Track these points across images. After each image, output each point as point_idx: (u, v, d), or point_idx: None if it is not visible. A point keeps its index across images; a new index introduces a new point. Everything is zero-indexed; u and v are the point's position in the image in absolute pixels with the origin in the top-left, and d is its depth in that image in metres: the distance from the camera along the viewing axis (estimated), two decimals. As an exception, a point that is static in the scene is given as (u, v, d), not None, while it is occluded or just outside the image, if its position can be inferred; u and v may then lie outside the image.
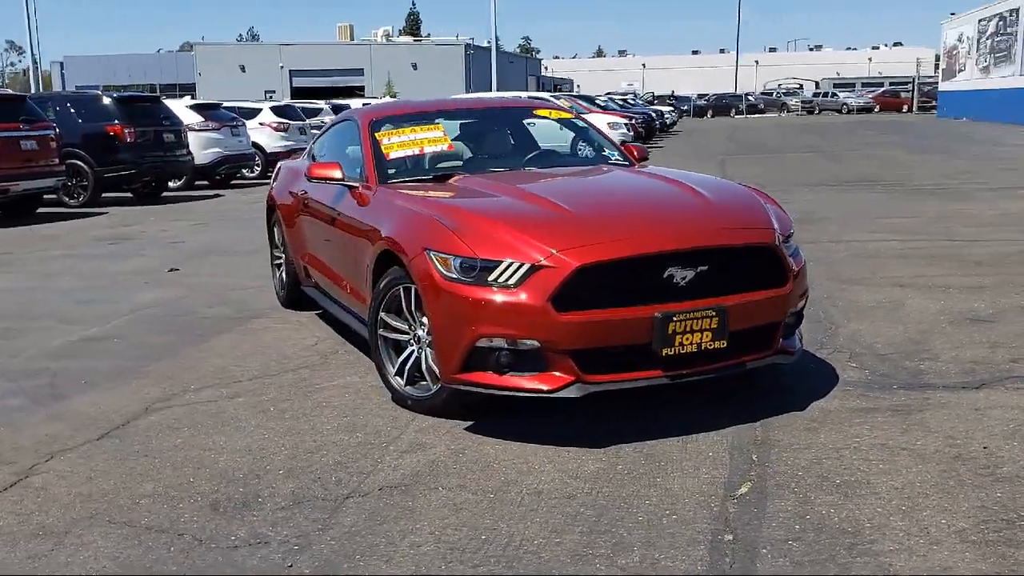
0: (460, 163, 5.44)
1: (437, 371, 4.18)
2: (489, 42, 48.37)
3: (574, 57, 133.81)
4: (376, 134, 5.39)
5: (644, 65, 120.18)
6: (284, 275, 6.75)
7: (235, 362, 5.41)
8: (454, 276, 3.93)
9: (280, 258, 6.90)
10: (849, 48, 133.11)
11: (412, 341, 4.38)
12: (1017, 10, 38.22)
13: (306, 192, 5.95)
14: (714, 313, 3.89)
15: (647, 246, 3.89)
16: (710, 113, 62.99)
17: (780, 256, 4.15)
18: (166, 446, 4.07)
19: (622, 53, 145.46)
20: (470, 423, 4.18)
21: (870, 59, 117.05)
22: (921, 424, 4.01)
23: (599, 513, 3.26)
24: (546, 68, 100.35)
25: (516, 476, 3.60)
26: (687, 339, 3.85)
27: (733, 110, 62.34)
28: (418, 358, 4.37)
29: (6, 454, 4.04)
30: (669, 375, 3.90)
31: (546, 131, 5.98)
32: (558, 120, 6.05)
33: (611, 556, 2.94)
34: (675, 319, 3.80)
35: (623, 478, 3.56)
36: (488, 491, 3.47)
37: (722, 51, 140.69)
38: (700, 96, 67.56)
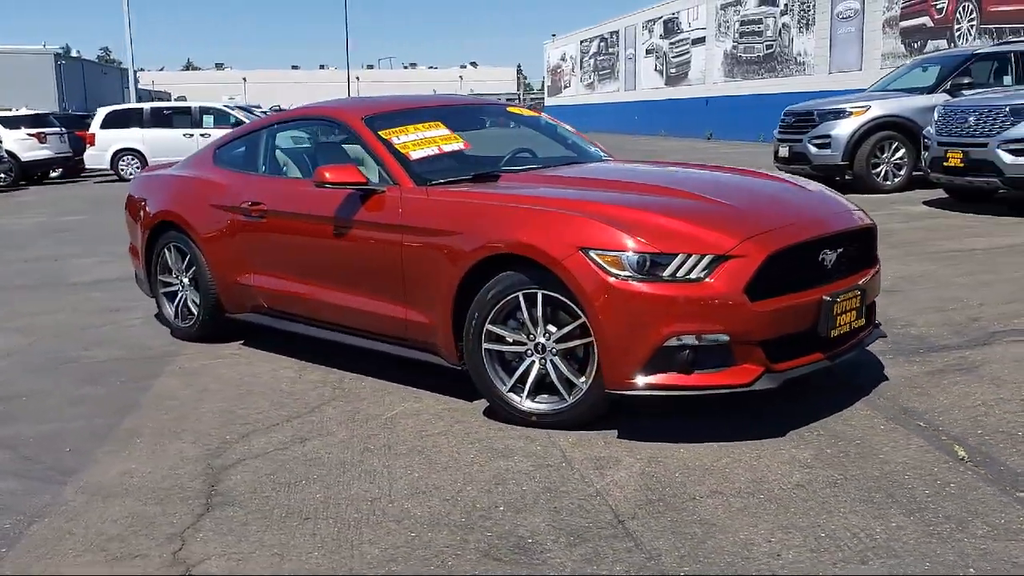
0: (496, 160, 5.06)
1: (582, 380, 3.89)
2: (79, 52, 44.19)
3: (161, 69, 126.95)
4: (380, 133, 4.83)
5: (245, 79, 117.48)
6: (189, 305, 5.79)
7: (235, 405, 4.57)
8: (627, 275, 3.67)
9: (173, 285, 5.91)
10: (431, 67, 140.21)
11: (531, 352, 4.01)
12: (617, 32, 42.68)
13: (260, 203, 5.17)
14: (859, 292, 4.02)
15: (809, 231, 3.93)
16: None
17: (875, 238, 4.38)
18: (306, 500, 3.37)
19: (219, 66, 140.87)
20: (616, 431, 3.94)
21: (460, 77, 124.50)
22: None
23: (863, 487, 3.24)
24: (139, 80, 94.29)
25: (752, 475, 3.46)
26: (843, 319, 3.95)
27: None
28: (529, 369, 4.01)
29: None
30: (829, 356, 3.96)
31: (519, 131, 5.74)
32: (529, 118, 5.81)
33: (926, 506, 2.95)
34: (839, 300, 3.87)
35: (840, 459, 3.55)
36: (745, 493, 3.31)
37: (322, 67, 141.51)
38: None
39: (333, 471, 3.68)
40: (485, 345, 4.08)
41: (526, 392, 4.03)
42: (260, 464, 3.79)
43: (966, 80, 12.15)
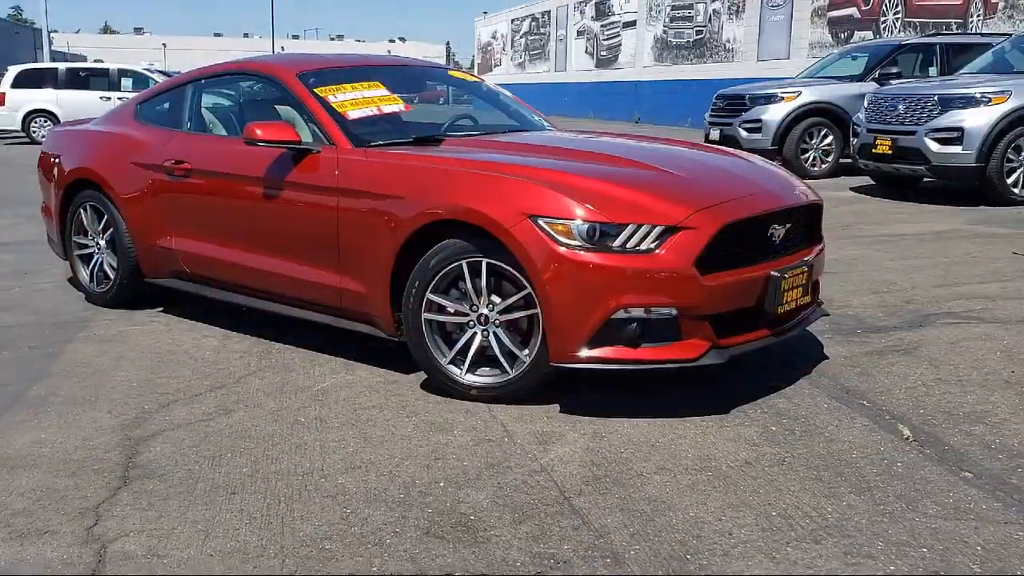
0: (436, 126, 4.87)
1: (525, 353, 3.75)
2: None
3: (77, 32, 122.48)
4: (316, 90, 4.60)
5: (165, 45, 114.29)
6: (105, 268, 5.48)
7: (154, 374, 4.32)
8: (576, 244, 3.53)
9: (89, 248, 5.58)
10: (358, 40, 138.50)
11: (473, 323, 3.85)
12: (549, 12, 42.49)
13: (185, 162, 4.89)
14: (806, 268, 3.96)
15: (760, 205, 3.85)
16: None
17: (821, 215, 4.32)
18: (237, 476, 3.17)
19: (138, 31, 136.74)
20: (558, 405, 3.82)
21: (389, 51, 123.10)
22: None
23: (811, 466, 3.18)
24: (53, 42, 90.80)
25: (699, 452, 3.37)
26: (790, 296, 3.89)
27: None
28: (470, 341, 3.86)
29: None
30: (775, 333, 3.89)
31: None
32: (471, 83, 5.61)
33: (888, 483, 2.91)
34: (787, 276, 3.80)
35: (786, 437, 3.49)
36: (693, 470, 3.22)
37: (246, 35, 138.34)
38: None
39: (261, 444, 3.47)
40: (425, 315, 3.90)
41: (467, 365, 3.88)
42: (182, 436, 3.56)
43: (894, 70, 12.31)
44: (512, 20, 48.65)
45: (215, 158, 4.80)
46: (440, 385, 3.95)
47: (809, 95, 12.42)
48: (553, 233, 3.55)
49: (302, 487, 3.10)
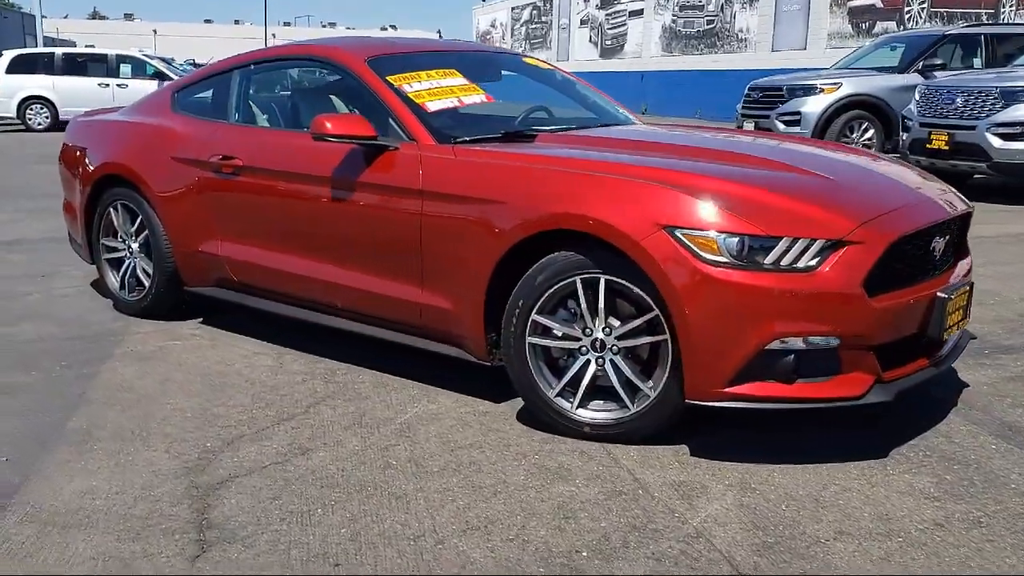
0: (528, 118, 4.35)
1: (648, 385, 3.23)
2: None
3: (65, 17, 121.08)
4: (389, 79, 4.05)
5: (155, 31, 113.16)
6: (138, 274, 4.93)
7: (208, 400, 3.78)
8: (723, 260, 3.00)
9: (119, 251, 5.03)
10: (349, 27, 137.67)
11: (586, 349, 3.32)
12: (551, 0, 41.86)
13: (234, 158, 4.33)
14: (967, 287, 3.46)
15: (927, 216, 3.34)
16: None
17: (969, 225, 3.81)
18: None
19: (128, 17, 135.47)
20: (686, 447, 3.29)
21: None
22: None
23: (1016, 529, 2.68)
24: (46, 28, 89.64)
25: (875, 509, 2.86)
26: (953, 319, 3.37)
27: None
28: (582, 370, 3.34)
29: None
30: (934, 362, 3.38)
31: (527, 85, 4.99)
32: (547, 71, 5.06)
33: None
34: (952, 297, 3.29)
35: (968, 489, 2.98)
36: (877, 535, 2.70)
37: (237, 22, 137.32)
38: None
39: (354, 495, 2.94)
40: (530, 339, 3.38)
41: (578, 397, 3.35)
42: (258, 483, 3.02)
43: (938, 61, 11.81)
44: (512, 8, 47.98)
45: (270, 154, 4.24)
46: (545, 420, 3.43)
47: (850, 87, 11.91)
48: (695, 247, 3.02)
49: (417, 556, 2.57)
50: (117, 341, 4.60)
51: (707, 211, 3.06)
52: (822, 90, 11.94)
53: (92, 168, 5.01)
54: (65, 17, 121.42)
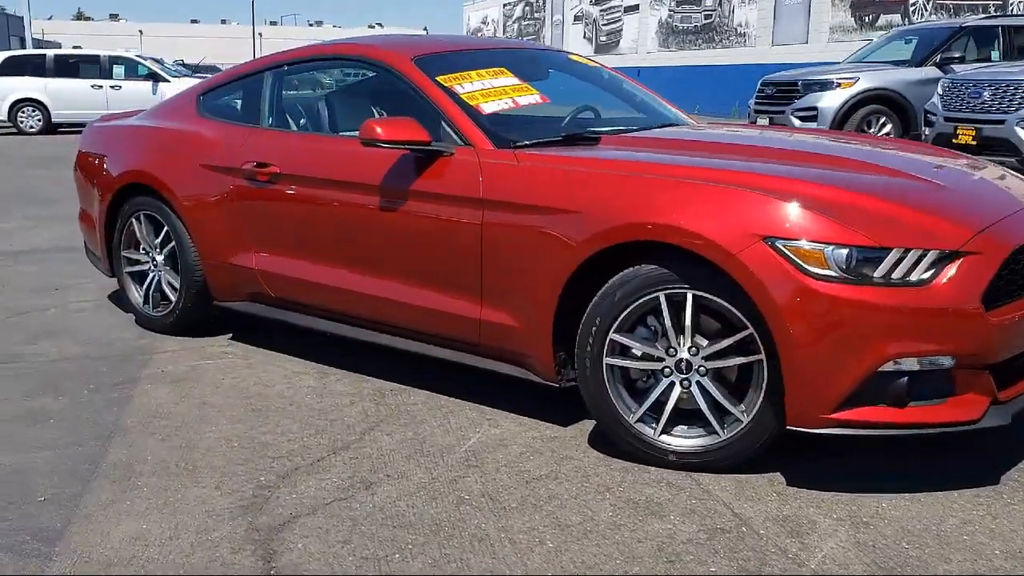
0: (577, 119, 4.08)
1: (740, 409, 2.97)
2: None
3: (49, 18, 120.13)
4: (439, 79, 3.79)
5: (141, 32, 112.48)
6: (164, 288, 4.66)
7: (254, 427, 3.51)
8: (832, 274, 2.75)
9: (143, 264, 4.76)
10: (336, 26, 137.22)
11: (669, 371, 3.07)
12: (545, -5, 41.57)
13: (270, 165, 4.06)
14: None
15: (1036, 223, 3.07)
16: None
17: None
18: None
19: (114, 17, 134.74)
20: (782, 475, 3.04)
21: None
22: None
23: None
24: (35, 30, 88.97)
25: (1006, 546, 2.62)
26: (1062, 333, 3.11)
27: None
28: (666, 393, 3.09)
29: None
30: (1038, 381, 3.13)
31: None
32: (592, 69, 4.80)
33: None
34: (1064, 310, 3.04)
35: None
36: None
37: (223, 22, 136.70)
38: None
39: (431, 538, 2.68)
40: (607, 360, 3.12)
41: (662, 423, 3.09)
42: (323, 524, 2.76)
43: (956, 54, 11.60)
44: (504, 4, 47.67)
45: (310, 161, 3.98)
46: (625, 447, 3.17)
47: (867, 81, 11.69)
48: (799, 260, 2.77)
49: (516, 610, 2.31)
50: (145, 360, 4.32)
51: (812, 220, 2.81)
52: (839, 84, 11.72)
53: (113, 176, 4.73)
54: (49, 18, 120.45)
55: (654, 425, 3.12)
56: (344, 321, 4.01)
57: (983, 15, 14.95)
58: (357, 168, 3.77)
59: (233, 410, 3.69)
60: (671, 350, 3.07)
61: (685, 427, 3.12)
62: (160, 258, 4.65)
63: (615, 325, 3.09)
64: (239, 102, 4.55)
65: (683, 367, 3.06)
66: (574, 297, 3.21)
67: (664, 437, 3.11)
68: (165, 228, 4.54)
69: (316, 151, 4.02)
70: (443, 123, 3.66)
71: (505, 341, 3.45)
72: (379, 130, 3.49)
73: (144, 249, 4.73)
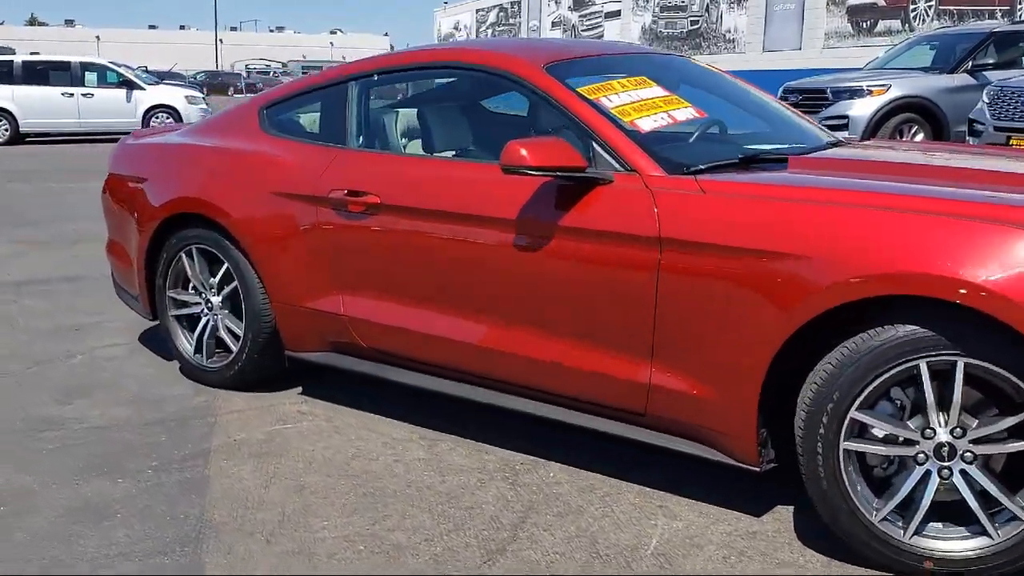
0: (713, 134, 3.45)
1: (1018, 506, 2.36)
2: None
3: (1, 23, 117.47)
4: (581, 91, 3.14)
5: (98, 37, 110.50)
6: (222, 335, 3.97)
7: (375, 521, 2.84)
8: None
9: (193, 306, 4.06)
10: (296, 31, 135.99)
11: (922, 458, 2.46)
12: (519, 1, 41.06)
13: (367, 194, 3.39)
14: None
15: None
16: (204, 91, 58.99)
17: None
18: None
19: (69, 23, 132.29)
20: None
21: (331, 43, 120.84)
22: None
23: None
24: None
25: None
26: None
27: (231, 88, 59.19)
28: (921, 485, 2.47)
29: None
30: None
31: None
32: (716, 76, 4.16)
33: None
34: None
35: None
36: None
37: (182, 27, 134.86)
38: (197, 74, 62.91)
39: None
40: (845, 444, 2.49)
41: (915, 521, 2.47)
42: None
43: (989, 60, 11.16)
44: (477, 10, 47.10)
45: (421, 190, 3.31)
46: (862, 550, 2.55)
47: (899, 89, 11.20)
48: None
49: None
50: (209, 425, 3.62)
51: None
52: (870, 92, 11.22)
53: (157, 204, 4.03)
54: (1, 23, 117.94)
55: (902, 524, 2.50)
56: (461, 378, 3.34)
57: (1010, 20, 14.59)
58: (485, 199, 3.12)
59: (342, 496, 3.01)
60: (927, 431, 2.45)
61: (939, 525, 2.50)
62: (217, 300, 3.96)
63: (859, 401, 2.46)
64: (317, 117, 3.86)
65: (944, 453, 2.44)
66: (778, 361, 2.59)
67: (916, 539, 2.49)
68: (225, 265, 3.86)
69: (428, 178, 3.35)
70: (593, 144, 3.02)
71: (684, 412, 2.82)
72: (524, 153, 2.84)
73: (195, 289, 4.03)
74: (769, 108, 4.00)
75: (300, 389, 4.01)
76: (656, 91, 3.31)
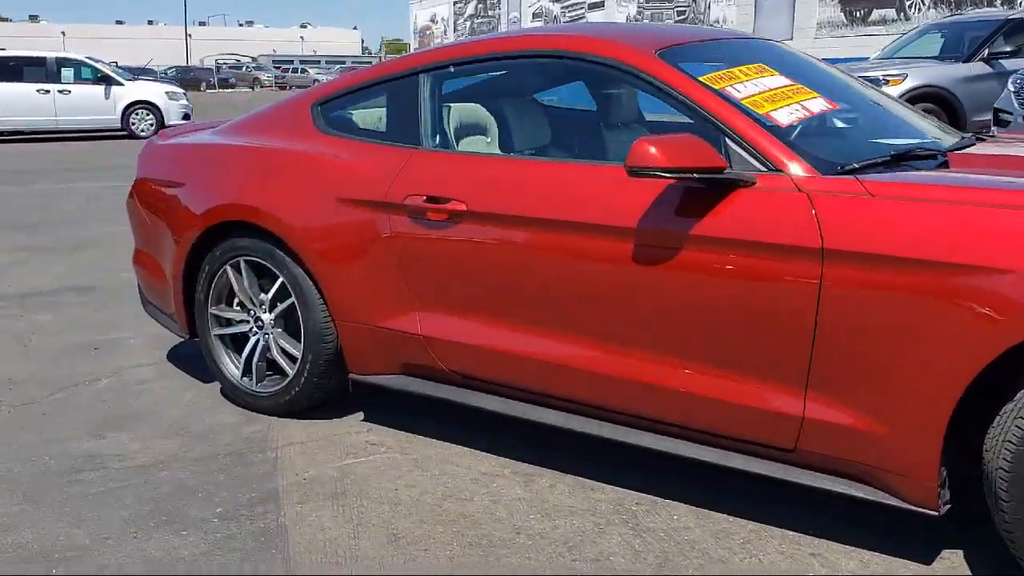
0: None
1: None
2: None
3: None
4: (703, 79, 2.77)
5: (64, 33, 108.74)
6: (276, 357, 3.57)
7: (494, 580, 2.46)
8: None
9: (240, 324, 3.65)
10: (266, 26, 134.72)
11: None
12: (499, -7, 40.63)
13: (451, 200, 3.00)
14: None
15: None
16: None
17: None
18: None
19: (34, 19, 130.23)
20: None
21: (302, 37, 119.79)
22: None
23: None
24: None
25: None
26: None
27: (203, 84, 58.30)
28: None
29: None
30: None
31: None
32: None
33: None
34: None
35: None
36: None
37: (150, 22, 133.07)
38: (167, 70, 61.90)
39: None
40: (1053, 490, 2.13)
41: None
42: None
43: (1007, 48, 10.91)
44: (455, 3, 46.61)
45: (517, 195, 2.92)
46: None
47: (916, 78, 10.92)
48: None
49: None
50: (271, 461, 3.22)
51: None
52: (887, 82, 10.92)
53: (198, 212, 3.61)
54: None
55: None
56: (558, 407, 2.96)
57: (1008, 7, 14.36)
58: (598, 205, 2.74)
59: (443, 546, 2.63)
60: None
61: None
62: (268, 318, 3.55)
63: (1068, 439, 2.11)
64: (382, 114, 3.46)
65: None
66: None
67: None
68: (279, 280, 3.45)
69: (524, 181, 2.95)
70: (727, 140, 2.64)
71: (844, 450, 2.46)
72: (656, 152, 2.46)
73: (242, 305, 3.62)
74: (878, 100, 3.62)
75: (362, 415, 3.62)
76: (780, 80, 2.95)
